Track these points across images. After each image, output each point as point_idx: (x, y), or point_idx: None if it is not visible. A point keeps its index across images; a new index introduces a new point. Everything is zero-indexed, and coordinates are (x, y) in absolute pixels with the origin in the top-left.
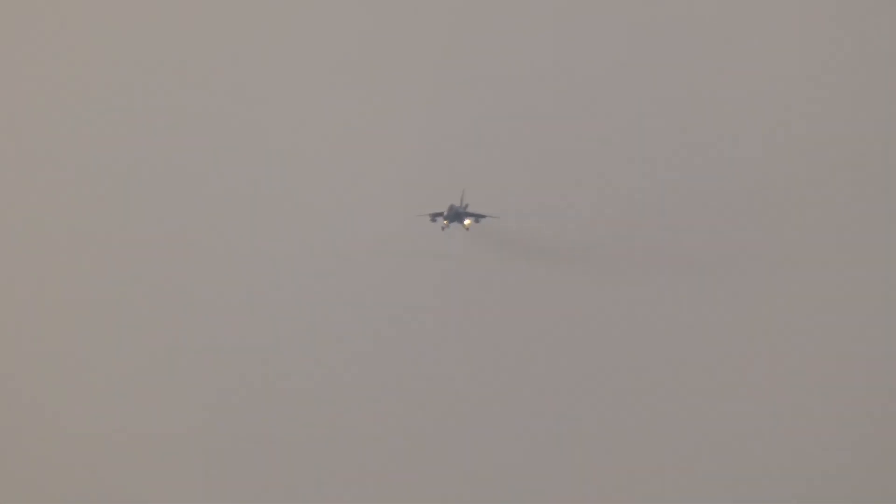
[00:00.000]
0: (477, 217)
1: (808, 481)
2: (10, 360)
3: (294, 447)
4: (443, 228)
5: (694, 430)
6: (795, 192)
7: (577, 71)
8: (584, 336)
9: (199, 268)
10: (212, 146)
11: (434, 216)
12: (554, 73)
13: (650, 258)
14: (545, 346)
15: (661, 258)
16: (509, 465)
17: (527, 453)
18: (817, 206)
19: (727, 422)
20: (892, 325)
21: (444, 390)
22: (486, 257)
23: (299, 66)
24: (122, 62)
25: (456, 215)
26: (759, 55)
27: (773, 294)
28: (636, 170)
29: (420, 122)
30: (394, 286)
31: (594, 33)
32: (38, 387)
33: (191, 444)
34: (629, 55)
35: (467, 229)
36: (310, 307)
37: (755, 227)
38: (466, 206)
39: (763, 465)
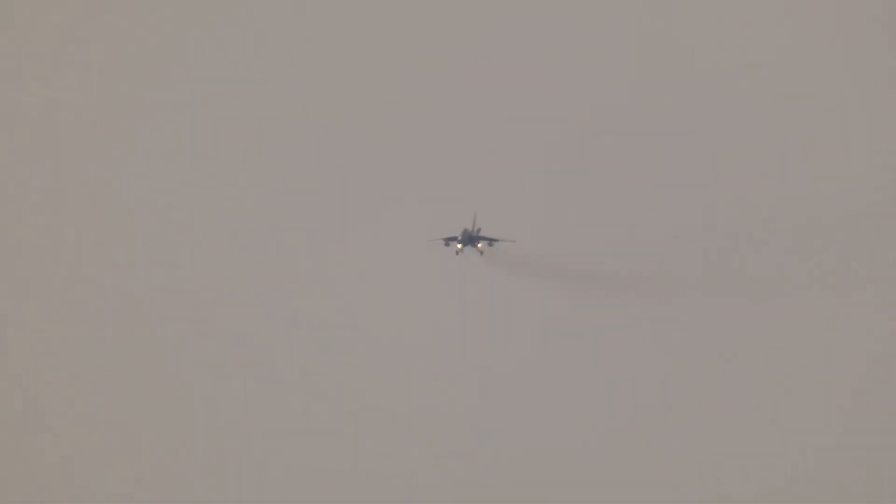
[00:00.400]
0: (490, 241)
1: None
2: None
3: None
4: (456, 253)
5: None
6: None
7: (589, 91)
8: (601, 358)
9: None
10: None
11: (448, 241)
12: (567, 94)
13: (667, 277)
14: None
15: (681, 277)
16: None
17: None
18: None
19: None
20: None
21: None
22: (502, 281)
23: (314, 71)
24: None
25: (469, 239)
26: (786, 72)
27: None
28: (652, 192)
29: (432, 145)
30: (408, 307)
31: (611, 51)
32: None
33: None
34: (646, 72)
35: (481, 253)
36: (326, 328)
37: (773, 248)
38: (479, 229)
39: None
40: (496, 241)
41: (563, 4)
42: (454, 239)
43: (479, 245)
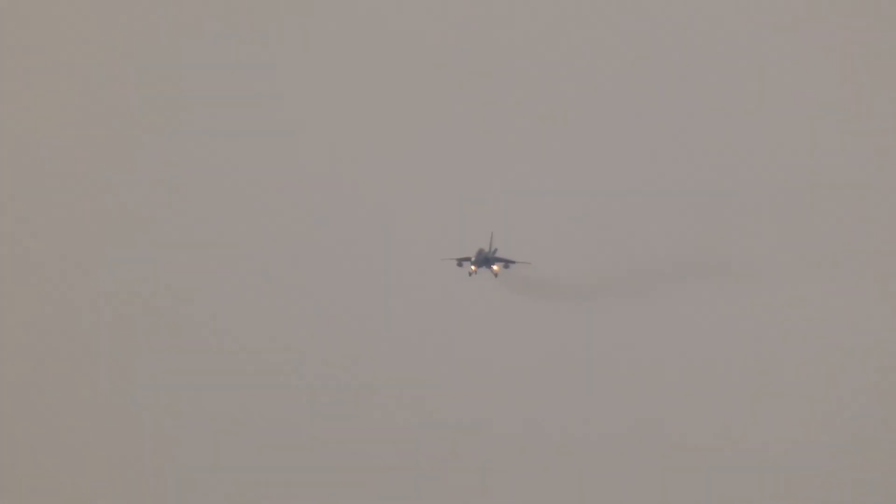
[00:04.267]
0: (506, 262)
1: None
2: None
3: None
4: (470, 274)
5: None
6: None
7: (601, 106)
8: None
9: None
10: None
11: (461, 261)
12: (582, 108)
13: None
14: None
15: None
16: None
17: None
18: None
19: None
20: None
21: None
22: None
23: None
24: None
25: (485, 260)
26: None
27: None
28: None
29: (450, 166)
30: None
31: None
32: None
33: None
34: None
35: (496, 275)
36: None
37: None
38: (495, 250)
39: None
40: (512, 262)
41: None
42: (468, 259)
43: (495, 267)
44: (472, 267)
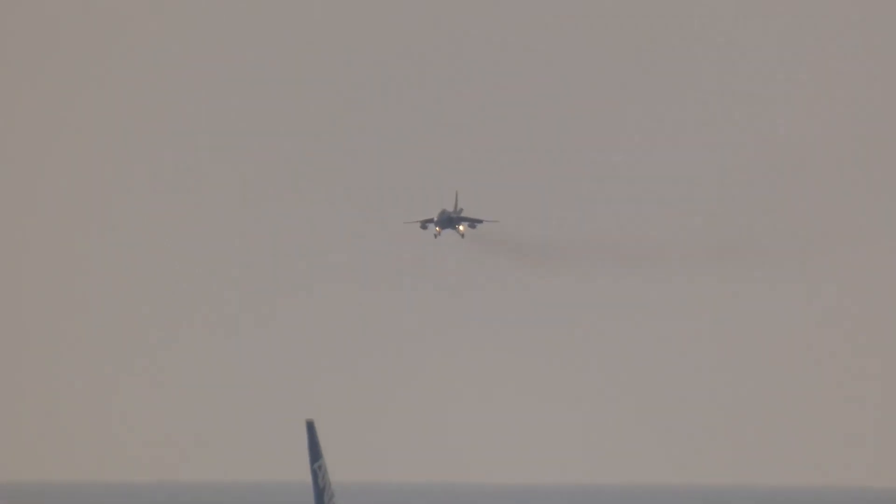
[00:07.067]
0: (472, 222)
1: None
2: None
3: None
4: (435, 236)
5: None
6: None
7: (569, 66)
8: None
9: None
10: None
11: (424, 223)
12: (547, 68)
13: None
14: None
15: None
16: None
17: None
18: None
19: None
20: None
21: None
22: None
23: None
24: None
25: (448, 220)
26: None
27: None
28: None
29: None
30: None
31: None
32: None
33: None
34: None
35: (462, 236)
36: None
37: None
38: (461, 210)
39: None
40: (479, 221)
41: None
42: (431, 221)
43: (461, 227)
44: (437, 228)
